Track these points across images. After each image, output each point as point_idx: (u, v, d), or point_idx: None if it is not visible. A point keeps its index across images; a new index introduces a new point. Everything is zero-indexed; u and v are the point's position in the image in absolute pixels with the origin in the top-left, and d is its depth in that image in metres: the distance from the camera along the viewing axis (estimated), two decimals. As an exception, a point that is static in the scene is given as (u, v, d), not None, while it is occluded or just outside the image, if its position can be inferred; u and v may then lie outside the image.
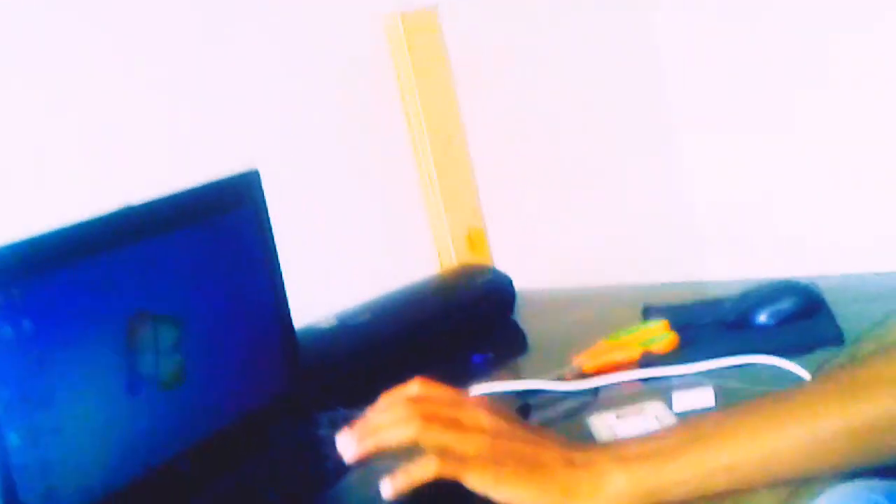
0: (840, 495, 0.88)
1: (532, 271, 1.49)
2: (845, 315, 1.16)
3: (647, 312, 1.27)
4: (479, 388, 1.12)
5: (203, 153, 1.32)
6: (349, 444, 0.73)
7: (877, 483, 0.89)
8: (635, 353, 1.13)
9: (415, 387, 0.80)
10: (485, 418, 0.70)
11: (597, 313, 1.37)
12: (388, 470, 0.90)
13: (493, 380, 1.17)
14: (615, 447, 0.70)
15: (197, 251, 1.02)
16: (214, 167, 1.06)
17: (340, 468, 0.93)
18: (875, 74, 1.41)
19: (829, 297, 1.20)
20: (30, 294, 0.87)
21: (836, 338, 1.11)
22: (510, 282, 1.42)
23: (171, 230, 0.99)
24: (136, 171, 1.26)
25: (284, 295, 1.10)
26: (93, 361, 0.90)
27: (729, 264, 1.53)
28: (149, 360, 0.94)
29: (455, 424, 0.69)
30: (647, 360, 1.11)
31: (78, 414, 0.88)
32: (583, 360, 1.14)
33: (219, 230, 1.04)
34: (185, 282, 1.00)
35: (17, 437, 0.83)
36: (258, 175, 1.08)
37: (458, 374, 1.22)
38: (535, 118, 1.65)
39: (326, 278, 1.42)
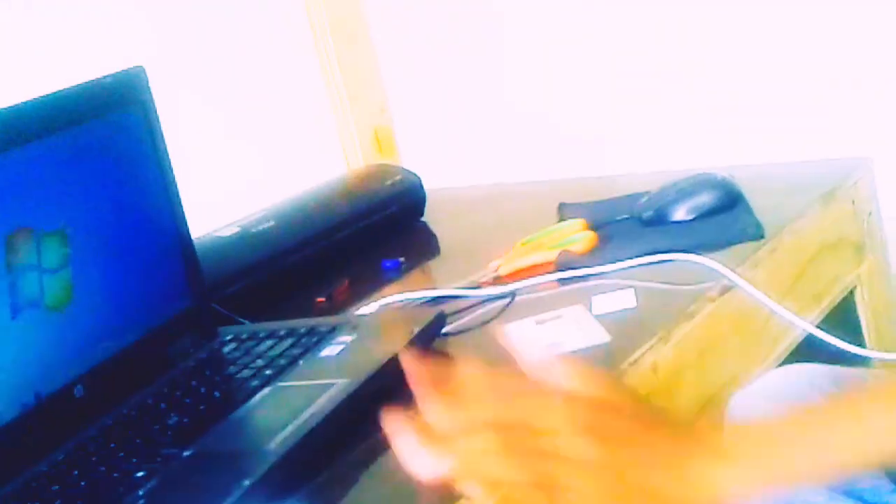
0: (782, 378, 0.86)
1: (443, 171, 1.44)
2: (763, 207, 1.13)
3: (563, 210, 1.23)
4: (391, 298, 1.07)
5: (86, 52, 1.22)
6: (425, 461, 0.62)
7: (820, 367, 0.87)
8: (552, 254, 1.09)
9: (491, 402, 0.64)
10: (582, 446, 0.60)
11: (511, 213, 1.32)
12: (301, 391, 0.85)
13: (404, 287, 1.12)
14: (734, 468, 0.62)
15: (79, 158, 0.93)
16: (102, 68, 0.98)
17: (246, 389, 0.88)
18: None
19: (746, 189, 1.17)
20: None
21: (755, 232, 1.08)
22: (420, 182, 1.36)
23: (47, 136, 0.90)
24: (14, 73, 1.16)
25: (180, 203, 1.02)
26: (-32, 285, 0.82)
27: (643, 157, 1.50)
28: (32, 281, 0.86)
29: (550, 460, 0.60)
30: (565, 262, 1.07)
31: (-46, 343, 0.81)
32: (499, 264, 1.09)
33: (103, 134, 0.96)
34: (68, 193, 0.92)
35: None
36: (144, 72, 0.99)
37: (368, 281, 1.17)
38: (443, 12, 1.57)
39: (226, 184, 1.34)
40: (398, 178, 1.37)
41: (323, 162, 1.49)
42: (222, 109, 1.38)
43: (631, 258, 1.04)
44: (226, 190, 1.33)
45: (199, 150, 1.28)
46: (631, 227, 1.15)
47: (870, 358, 1.12)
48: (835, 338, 0.98)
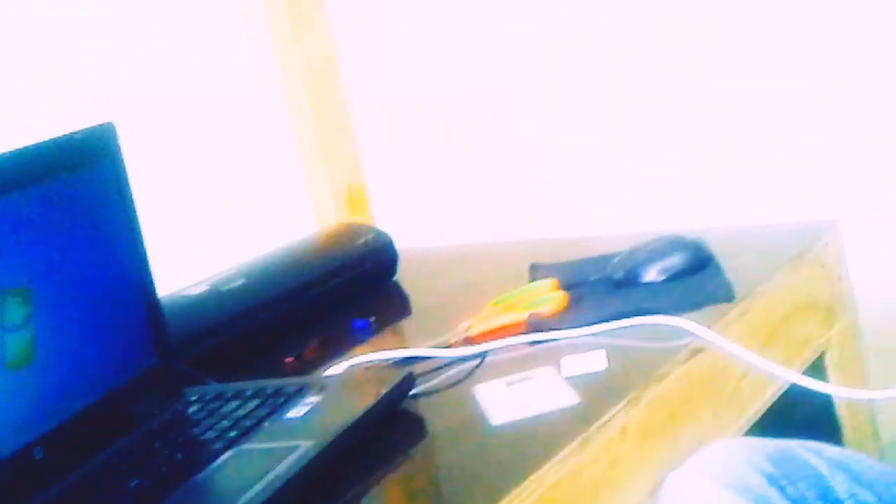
0: (719, 457, 0.84)
1: (415, 230, 1.43)
2: (733, 269, 1.13)
3: (535, 270, 1.22)
4: (360, 358, 1.06)
5: (56, 108, 1.22)
6: None
7: (758, 443, 0.84)
8: (523, 315, 1.08)
9: None
10: None
11: (483, 273, 1.32)
12: (265, 454, 0.84)
13: (374, 346, 1.11)
14: None
15: (45, 214, 0.92)
16: (71, 124, 0.97)
17: (209, 451, 0.86)
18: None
19: (716, 251, 1.17)
20: None
21: (726, 294, 1.08)
22: (392, 242, 1.36)
23: (15, 191, 0.90)
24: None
25: (146, 260, 1.01)
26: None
27: (614, 218, 1.50)
28: (-8, 339, 0.85)
29: None
30: (536, 323, 1.07)
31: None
32: (469, 325, 1.09)
33: (71, 190, 0.95)
34: (33, 249, 0.90)
35: None
36: (113, 128, 0.99)
37: (338, 340, 1.16)
38: (417, 73, 1.58)
39: (196, 241, 1.33)
40: (370, 237, 1.37)
41: (295, 219, 1.49)
42: (193, 165, 1.37)
43: (601, 320, 1.03)
44: (196, 248, 1.32)
45: (170, 207, 1.27)
46: (602, 288, 1.14)
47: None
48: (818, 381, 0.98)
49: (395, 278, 1.35)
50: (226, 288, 1.20)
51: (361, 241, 1.36)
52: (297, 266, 1.29)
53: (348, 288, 1.29)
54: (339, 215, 1.51)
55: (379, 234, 1.37)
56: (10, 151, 0.91)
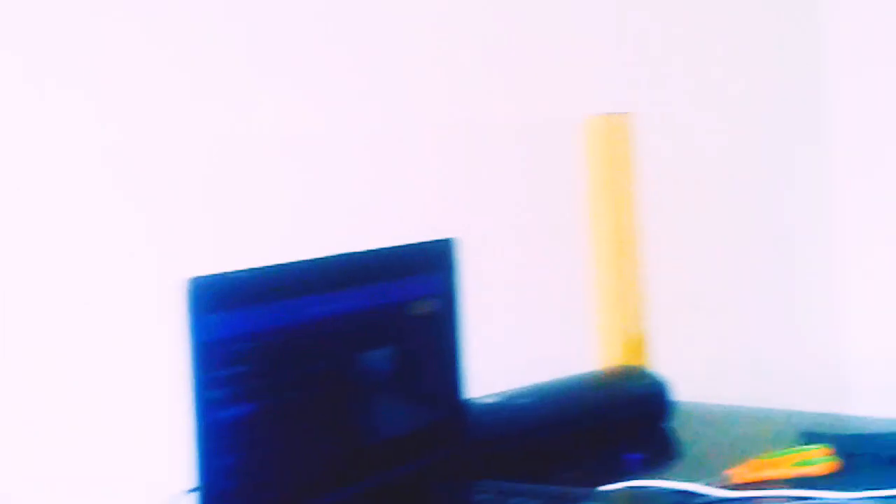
0: None
1: (694, 382, 1.52)
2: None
3: (808, 437, 1.28)
4: (633, 484, 1.15)
5: (397, 222, 1.41)
6: None
7: None
8: (789, 472, 1.15)
9: None
10: None
11: (752, 432, 1.38)
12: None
13: (643, 479, 1.20)
14: None
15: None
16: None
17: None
18: None
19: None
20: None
21: None
22: (665, 389, 1.45)
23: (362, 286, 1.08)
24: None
25: (461, 364, 1.17)
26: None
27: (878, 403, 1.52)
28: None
29: None
30: (801, 482, 1.13)
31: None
32: (735, 473, 1.16)
33: (411, 289, 1.13)
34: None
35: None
36: (453, 243, 1.16)
37: (608, 468, 1.26)
38: (712, 232, 1.69)
39: (496, 357, 1.47)
40: (645, 381, 1.48)
41: (581, 355, 1.60)
42: (503, 290, 1.52)
43: (871, 489, 1.08)
44: (495, 363, 1.46)
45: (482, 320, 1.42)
46: (877, 461, 1.18)
47: None
48: None
49: (667, 423, 1.43)
50: (515, 402, 1.34)
51: (637, 383, 1.48)
52: (577, 396, 1.42)
53: (621, 424, 1.39)
54: (621, 357, 1.62)
55: (654, 379, 1.48)
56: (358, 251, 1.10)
